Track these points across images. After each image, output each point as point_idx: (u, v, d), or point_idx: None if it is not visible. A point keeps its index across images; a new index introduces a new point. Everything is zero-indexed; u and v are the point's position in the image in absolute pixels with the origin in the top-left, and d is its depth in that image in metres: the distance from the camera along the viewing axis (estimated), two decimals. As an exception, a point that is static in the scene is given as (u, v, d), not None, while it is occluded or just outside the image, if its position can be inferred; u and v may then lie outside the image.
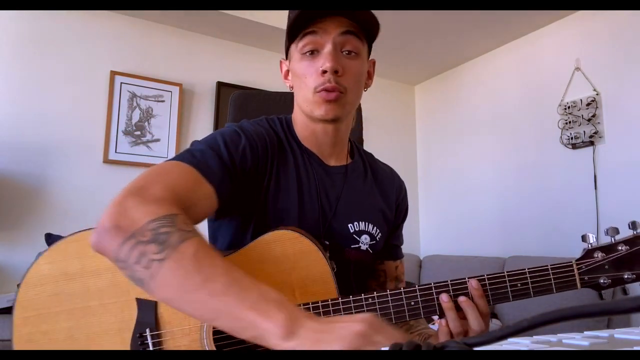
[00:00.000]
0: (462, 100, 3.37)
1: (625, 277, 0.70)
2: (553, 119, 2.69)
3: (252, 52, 3.06)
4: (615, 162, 2.39)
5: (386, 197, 0.95)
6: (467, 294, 0.70)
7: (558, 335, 0.27)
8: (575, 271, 0.71)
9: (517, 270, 0.71)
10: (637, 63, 2.34)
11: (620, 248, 0.70)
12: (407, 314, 0.70)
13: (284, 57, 0.88)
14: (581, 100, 2.54)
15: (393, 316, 0.70)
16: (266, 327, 0.49)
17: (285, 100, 1.27)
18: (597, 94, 2.48)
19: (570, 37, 2.65)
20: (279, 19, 2.77)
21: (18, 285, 0.70)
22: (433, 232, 3.55)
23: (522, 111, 2.91)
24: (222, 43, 2.96)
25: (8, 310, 1.88)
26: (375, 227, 0.89)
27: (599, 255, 0.71)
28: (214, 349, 0.68)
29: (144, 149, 2.63)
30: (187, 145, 0.80)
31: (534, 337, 0.27)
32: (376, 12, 0.78)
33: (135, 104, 2.64)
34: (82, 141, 2.47)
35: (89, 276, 0.69)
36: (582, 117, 2.52)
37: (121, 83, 2.60)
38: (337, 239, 0.84)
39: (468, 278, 0.71)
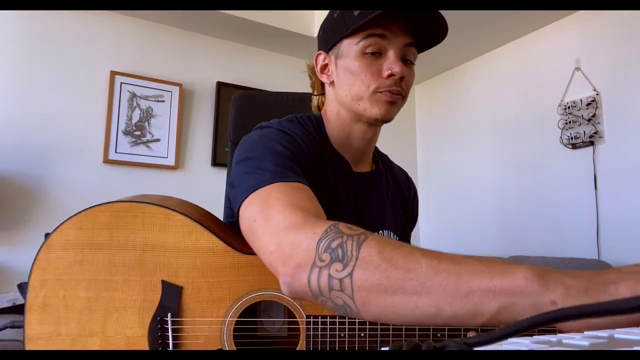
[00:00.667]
0: (462, 100, 3.37)
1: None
2: (553, 119, 2.69)
3: (252, 52, 3.06)
4: (615, 162, 2.39)
5: (404, 204, 0.97)
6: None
7: (558, 335, 0.27)
8: None
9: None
10: (637, 63, 2.33)
11: None
12: (430, 332, 0.72)
13: (318, 50, 0.86)
14: (581, 100, 2.54)
15: (417, 332, 0.72)
16: (515, 287, 0.40)
17: (287, 100, 1.26)
18: (597, 94, 2.48)
19: (570, 37, 2.65)
20: (279, 19, 2.77)
21: (24, 284, 0.68)
22: (433, 232, 3.55)
23: (522, 111, 2.91)
24: (222, 43, 2.96)
25: (8, 310, 1.87)
26: (396, 237, 0.91)
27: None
28: (232, 343, 0.68)
29: (144, 149, 2.63)
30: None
31: (534, 337, 0.27)
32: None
33: (135, 104, 2.64)
34: (82, 141, 2.47)
35: (116, 249, 0.68)
36: (582, 117, 2.52)
37: (121, 83, 2.60)
38: None
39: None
